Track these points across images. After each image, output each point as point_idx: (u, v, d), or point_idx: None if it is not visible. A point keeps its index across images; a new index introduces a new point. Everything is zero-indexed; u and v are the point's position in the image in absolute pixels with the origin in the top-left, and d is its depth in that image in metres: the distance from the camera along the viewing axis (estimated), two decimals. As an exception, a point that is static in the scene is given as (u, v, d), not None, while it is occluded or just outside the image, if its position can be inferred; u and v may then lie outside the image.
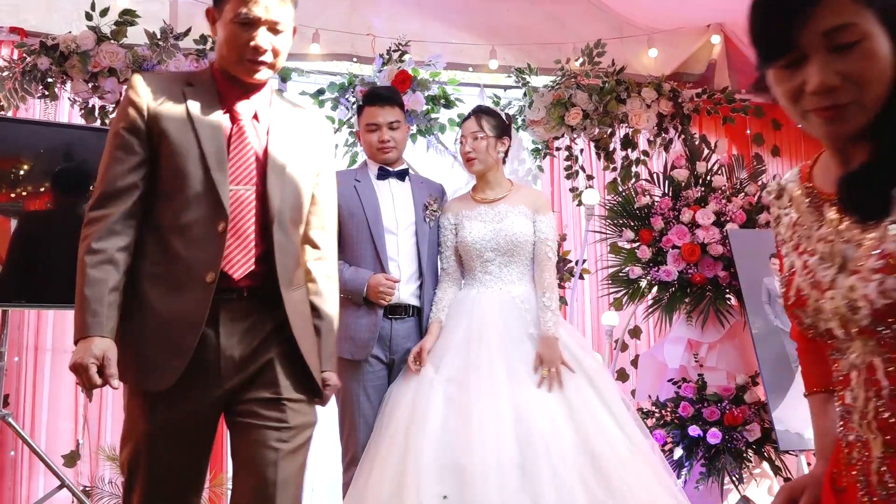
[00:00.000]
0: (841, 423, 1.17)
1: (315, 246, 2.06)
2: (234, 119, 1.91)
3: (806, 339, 1.38)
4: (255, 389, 1.89)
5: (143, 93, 1.87)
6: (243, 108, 1.93)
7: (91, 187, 3.16)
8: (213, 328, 1.83)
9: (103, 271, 1.77)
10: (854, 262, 1.07)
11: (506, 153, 3.04)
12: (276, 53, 1.89)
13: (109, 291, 1.77)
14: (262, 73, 1.91)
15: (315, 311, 2.02)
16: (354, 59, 4.18)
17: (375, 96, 3.00)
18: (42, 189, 3.16)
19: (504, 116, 3.13)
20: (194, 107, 1.88)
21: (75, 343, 1.74)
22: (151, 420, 1.81)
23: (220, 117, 1.90)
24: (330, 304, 2.07)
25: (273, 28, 1.87)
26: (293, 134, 1.99)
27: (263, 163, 1.91)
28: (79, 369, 1.71)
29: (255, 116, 1.94)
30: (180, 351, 1.79)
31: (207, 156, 1.84)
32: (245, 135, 1.91)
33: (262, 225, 1.88)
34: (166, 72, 2.11)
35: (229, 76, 1.92)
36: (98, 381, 1.70)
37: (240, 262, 1.85)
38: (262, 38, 1.86)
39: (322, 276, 2.06)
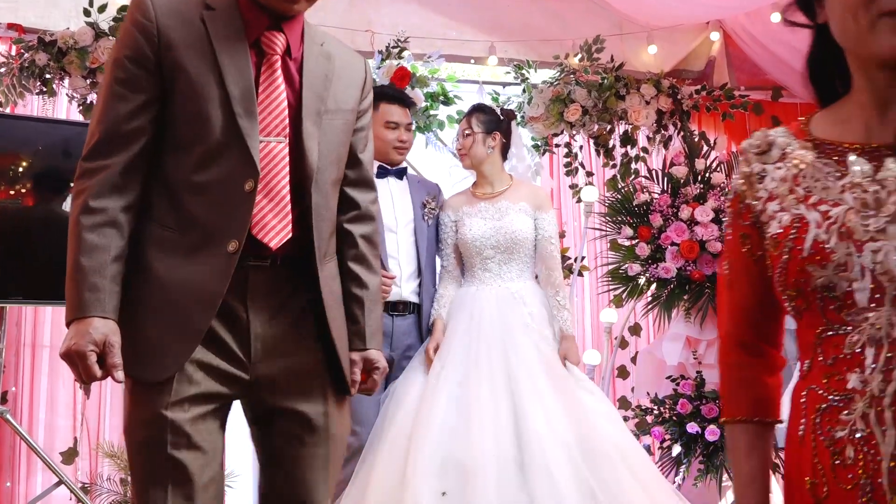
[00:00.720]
0: (818, 417, 0.99)
1: (352, 204, 1.73)
2: (262, 54, 1.57)
3: (737, 351, 1.16)
4: (296, 398, 1.59)
5: (153, 13, 1.50)
6: (273, 41, 1.58)
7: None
8: (241, 302, 1.53)
9: (103, 235, 1.44)
10: None
11: (503, 148, 3.08)
12: None
13: (112, 261, 1.44)
14: (300, 6, 1.58)
15: (356, 280, 1.70)
16: (353, 57, 4.18)
17: (397, 96, 3.06)
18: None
19: (500, 112, 3.17)
20: (216, 36, 1.52)
21: (68, 325, 1.42)
22: (161, 403, 1.47)
23: (246, 51, 1.54)
24: (373, 271, 1.75)
25: None
26: (329, 73, 1.65)
27: (297, 109, 1.57)
28: (74, 357, 1.38)
29: (287, 52, 1.60)
30: (187, 333, 1.47)
31: (233, 99, 1.49)
32: (276, 74, 1.57)
33: (295, 184, 1.56)
34: None
35: (258, 2, 1.57)
36: (98, 372, 1.39)
37: (275, 227, 1.53)
38: None
39: (361, 238, 1.74)
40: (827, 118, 1.08)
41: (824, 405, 0.98)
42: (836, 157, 1.02)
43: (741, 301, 1.15)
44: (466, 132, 3.06)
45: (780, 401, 1.16)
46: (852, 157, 0.99)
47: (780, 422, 1.14)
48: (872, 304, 0.93)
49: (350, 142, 1.71)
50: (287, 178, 1.55)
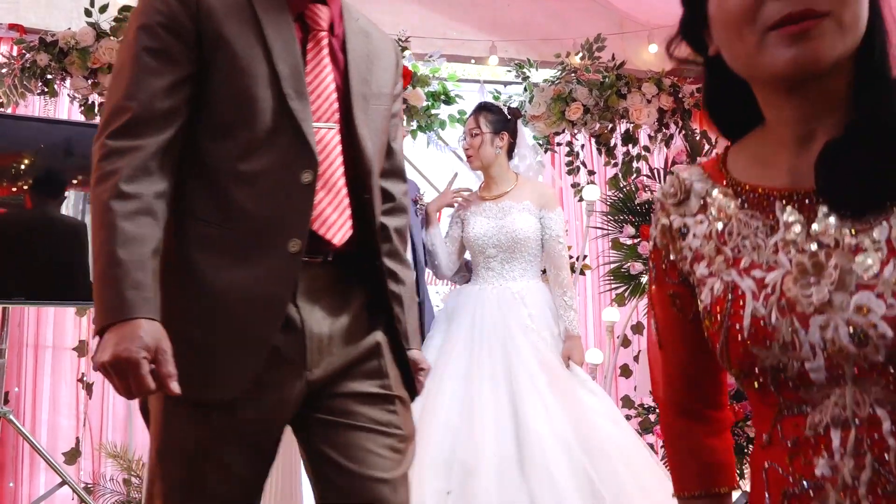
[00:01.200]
0: (786, 502, 0.84)
1: (387, 196, 1.55)
2: (306, 29, 1.41)
3: (679, 419, 1.04)
4: (352, 380, 1.39)
5: None
6: (319, 15, 1.42)
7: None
8: (292, 302, 1.34)
9: (141, 225, 1.23)
10: (859, 275, 0.78)
11: (510, 148, 3.08)
12: None
13: (151, 255, 1.23)
14: None
15: (393, 276, 1.51)
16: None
17: None
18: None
19: (507, 111, 3.16)
20: (260, 5, 1.35)
21: (103, 330, 1.19)
22: (205, 431, 1.29)
23: (291, 25, 1.37)
24: (408, 266, 1.58)
25: None
26: (371, 53, 1.50)
27: (345, 93, 1.42)
28: (124, 367, 1.15)
29: (331, 28, 1.44)
30: (254, 346, 1.28)
31: (282, 78, 1.32)
32: (323, 53, 1.41)
33: (350, 176, 1.41)
34: None
35: None
36: (152, 384, 1.16)
37: (336, 222, 1.37)
38: None
39: (395, 232, 1.55)
40: (745, 155, 0.93)
41: (791, 491, 0.84)
42: (763, 208, 0.87)
43: (677, 365, 1.03)
44: (475, 132, 3.05)
45: (733, 463, 1.05)
46: (780, 206, 0.85)
47: (735, 488, 1.03)
48: (831, 382, 0.80)
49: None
50: (342, 169, 1.39)
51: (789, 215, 0.84)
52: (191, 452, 1.30)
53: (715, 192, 0.92)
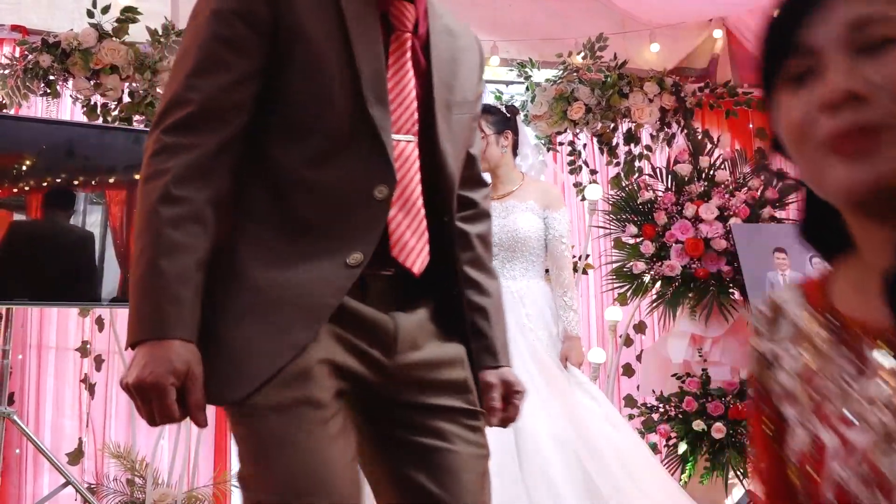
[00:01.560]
0: None
1: (467, 202, 1.40)
2: (389, 29, 1.27)
3: None
4: (439, 393, 1.27)
5: None
6: (405, 14, 1.28)
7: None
8: (360, 299, 1.22)
9: (188, 233, 1.13)
10: None
11: (513, 146, 3.09)
12: None
13: (196, 267, 1.13)
14: None
15: (476, 287, 1.38)
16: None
17: None
18: (44, 184, 3.16)
19: (506, 109, 3.17)
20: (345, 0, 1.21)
21: (136, 343, 1.11)
22: (317, 428, 1.14)
23: (377, 24, 1.24)
24: (493, 275, 1.43)
25: None
26: (456, 55, 1.36)
27: (426, 101, 1.28)
28: (149, 392, 1.08)
29: (414, 27, 1.30)
30: (282, 345, 1.14)
31: (364, 81, 1.19)
32: (406, 57, 1.27)
33: (427, 194, 1.28)
34: None
35: None
36: (177, 413, 1.10)
37: (416, 248, 1.25)
38: None
39: (477, 238, 1.41)
40: (844, 279, 0.79)
41: None
42: (853, 345, 0.73)
43: None
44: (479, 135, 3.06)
45: None
46: (869, 345, 0.72)
47: None
48: None
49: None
50: (420, 187, 1.26)
51: (880, 358, 0.70)
52: (314, 447, 1.13)
53: (807, 320, 0.79)
